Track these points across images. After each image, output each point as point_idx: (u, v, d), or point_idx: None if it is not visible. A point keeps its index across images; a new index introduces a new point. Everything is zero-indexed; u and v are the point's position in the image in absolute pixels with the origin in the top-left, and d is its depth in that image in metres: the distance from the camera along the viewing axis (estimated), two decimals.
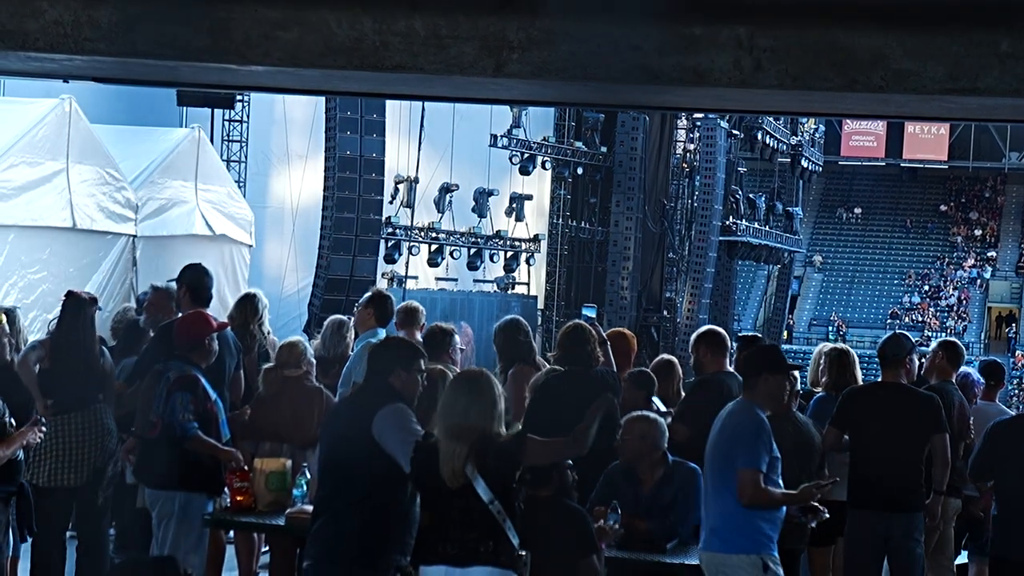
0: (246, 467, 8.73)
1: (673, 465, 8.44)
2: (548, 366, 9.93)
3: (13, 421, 7.93)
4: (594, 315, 10.55)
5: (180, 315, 9.53)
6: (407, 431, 6.85)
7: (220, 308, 10.87)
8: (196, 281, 9.75)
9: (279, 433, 9.41)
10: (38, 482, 9.37)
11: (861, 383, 9.95)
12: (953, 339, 10.90)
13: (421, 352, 7.29)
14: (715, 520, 7.73)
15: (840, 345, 10.39)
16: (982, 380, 10.68)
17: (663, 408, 9.34)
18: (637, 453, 8.34)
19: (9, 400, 8.04)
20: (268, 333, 10.86)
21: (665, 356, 11.19)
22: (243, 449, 9.29)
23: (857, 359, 10.09)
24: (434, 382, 7.40)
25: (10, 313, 10.44)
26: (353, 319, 10.54)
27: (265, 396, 9.63)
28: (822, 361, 10.09)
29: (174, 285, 10.04)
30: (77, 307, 9.82)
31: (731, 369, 9.44)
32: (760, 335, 10.97)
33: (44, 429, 8.09)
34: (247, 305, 10.64)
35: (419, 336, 10.28)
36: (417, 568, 6.79)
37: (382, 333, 10.15)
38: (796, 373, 9.14)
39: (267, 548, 10.08)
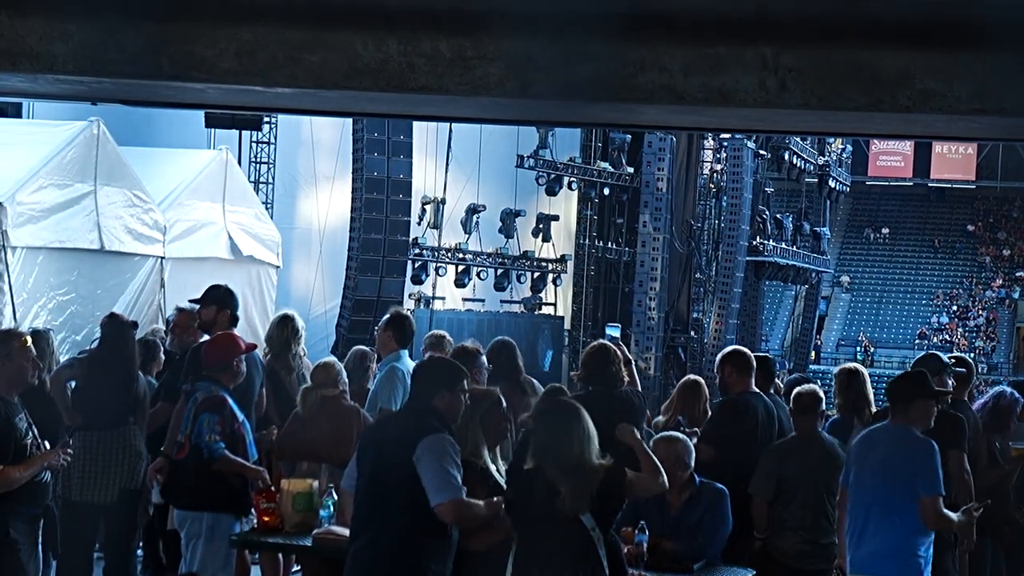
0: (273, 488, 8.74)
1: (700, 486, 8.42)
2: (539, 386, 9.95)
3: (47, 444, 7.96)
4: (618, 335, 10.54)
5: (207, 336, 9.55)
6: (441, 468, 6.85)
7: (247, 329, 10.90)
8: (233, 303, 9.84)
9: (318, 453, 9.33)
10: (69, 495, 9.45)
11: (872, 403, 10.00)
12: (962, 355, 10.85)
13: (465, 372, 7.29)
14: (883, 545, 7.85)
15: (849, 365, 10.37)
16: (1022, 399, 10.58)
17: (688, 428, 9.33)
18: (670, 476, 8.32)
19: (38, 421, 8.07)
20: (304, 354, 10.86)
21: (691, 376, 11.16)
22: (276, 470, 9.30)
23: (868, 378, 10.12)
24: (478, 402, 7.40)
25: (43, 335, 10.50)
26: (376, 343, 10.51)
27: (304, 416, 9.56)
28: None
29: (196, 306, 10.09)
30: (119, 329, 9.89)
31: (756, 389, 9.42)
32: (770, 355, 10.93)
33: (71, 452, 8.13)
34: (288, 325, 10.58)
35: None
36: None
37: (405, 355, 10.15)
38: (822, 393, 9.13)
39: (298, 567, 10.08)
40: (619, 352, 9.31)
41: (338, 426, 9.35)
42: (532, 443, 6.97)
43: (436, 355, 10.43)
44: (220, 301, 9.84)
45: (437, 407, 7.05)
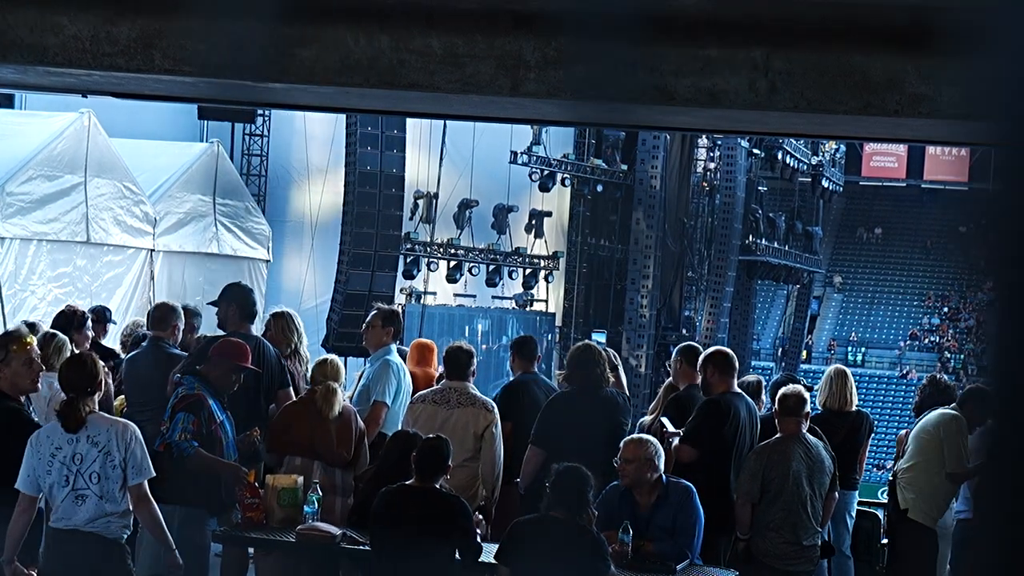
0: (256, 483, 8.71)
1: (668, 485, 8.41)
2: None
3: None
4: (604, 340, 10.61)
5: (224, 335, 9.44)
6: None
7: None
8: (243, 298, 9.78)
9: (315, 449, 9.17)
10: None
11: (856, 404, 10.40)
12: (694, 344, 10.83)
13: None
14: None
15: (835, 366, 10.54)
16: None
17: (671, 428, 9.33)
18: (639, 477, 8.32)
19: None
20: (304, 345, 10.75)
21: None
22: (256, 463, 9.24)
23: (853, 379, 10.37)
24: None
25: (36, 328, 10.46)
26: (365, 337, 10.45)
27: (323, 413, 9.12)
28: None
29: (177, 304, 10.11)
30: (66, 324, 9.86)
31: (738, 390, 9.44)
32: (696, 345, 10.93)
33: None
34: (283, 321, 10.36)
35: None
36: None
37: (394, 349, 10.17)
38: (807, 394, 9.14)
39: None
40: (604, 353, 9.36)
41: (343, 424, 9.24)
42: None
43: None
44: (227, 297, 9.81)
45: None
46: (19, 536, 7.01)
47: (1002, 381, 1.91)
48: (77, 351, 9.88)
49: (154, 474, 7.16)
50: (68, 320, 10.27)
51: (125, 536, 7.18)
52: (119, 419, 7.34)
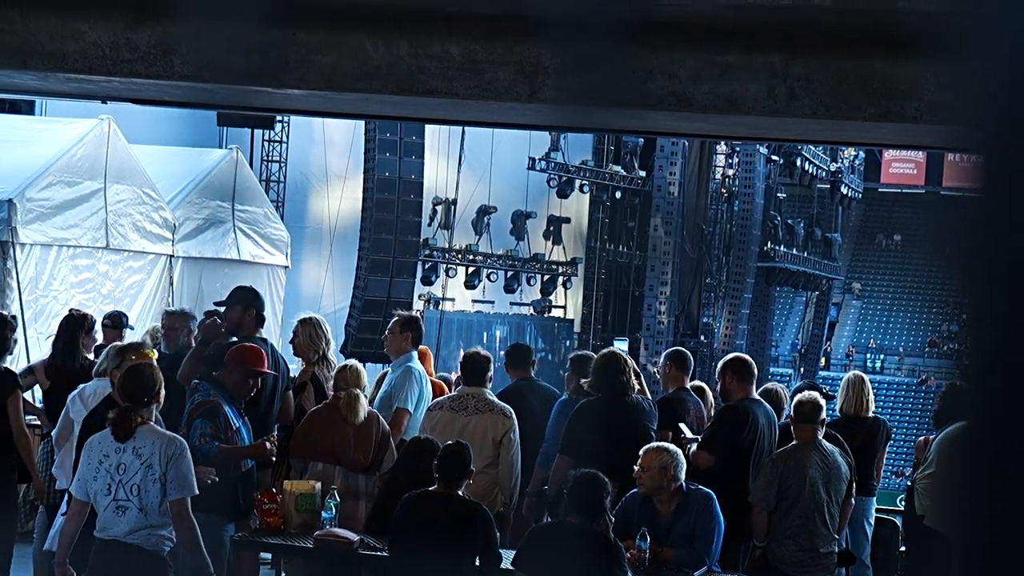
0: (274, 489, 8.71)
1: (688, 493, 8.39)
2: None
3: None
4: (626, 347, 10.62)
5: (235, 338, 9.41)
6: None
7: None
8: (260, 303, 9.73)
9: (337, 455, 9.15)
10: (56, 501, 9.42)
11: (873, 410, 10.52)
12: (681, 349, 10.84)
13: None
14: None
15: (853, 372, 10.58)
16: None
17: (689, 434, 9.33)
18: (656, 485, 8.30)
19: None
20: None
21: (696, 382, 11.17)
22: (282, 468, 9.24)
23: (870, 386, 10.41)
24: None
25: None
26: (385, 344, 10.45)
27: (349, 420, 9.13)
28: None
29: (184, 309, 10.05)
30: (70, 329, 9.88)
31: (757, 396, 9.44)
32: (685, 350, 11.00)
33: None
34: (311, 327, 10.33)
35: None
36: None
37: (415, 355, 10.15)
38: (823, 402, 9.13)
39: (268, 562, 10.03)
40: (629, 360, 9.36)
41: (364, 430, 9.22)
42: None
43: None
44: (244, 301, 9.70)
45: None
46: (70, 540, 7.04)
47: (977, 385, 1.91)
48: (87, 355, 9.99)
49: (197, 492, 7.14)
50: (77, 324, 10.23)
51: (167, 549, 7.16)
52: (167, 433, 7.26)
